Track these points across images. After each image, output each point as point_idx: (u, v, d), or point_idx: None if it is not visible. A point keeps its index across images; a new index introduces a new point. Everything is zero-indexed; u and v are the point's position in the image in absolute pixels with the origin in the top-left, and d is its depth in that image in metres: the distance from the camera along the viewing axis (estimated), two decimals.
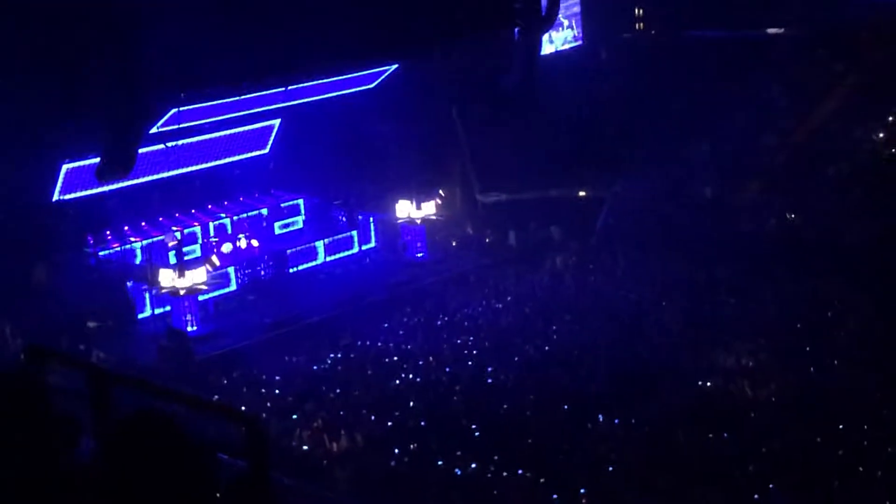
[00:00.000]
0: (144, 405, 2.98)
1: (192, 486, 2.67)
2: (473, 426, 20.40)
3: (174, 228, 29.35)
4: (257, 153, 32.44)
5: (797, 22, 34.93)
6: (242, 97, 26.84)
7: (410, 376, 23.48)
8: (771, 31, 35.54)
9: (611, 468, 18.49)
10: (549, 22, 30.71)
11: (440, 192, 33.34)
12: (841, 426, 19.31)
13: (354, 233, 32.10)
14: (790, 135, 32.86)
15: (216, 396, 21.93)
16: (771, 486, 17.44)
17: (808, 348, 23.23)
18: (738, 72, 33.44)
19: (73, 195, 27.65)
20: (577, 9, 36.01)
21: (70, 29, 21.65)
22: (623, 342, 24.45)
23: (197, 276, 26.80)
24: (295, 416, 21.31)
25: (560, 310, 27.03)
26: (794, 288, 26.68)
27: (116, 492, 2.67)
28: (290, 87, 27.68)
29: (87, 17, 21.54)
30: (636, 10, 38.28)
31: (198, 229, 30.22)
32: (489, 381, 23.04)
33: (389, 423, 20.90)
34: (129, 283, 27.46)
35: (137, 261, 28.50)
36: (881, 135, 31.91)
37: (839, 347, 23.18)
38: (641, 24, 38.44)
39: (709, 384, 21.93)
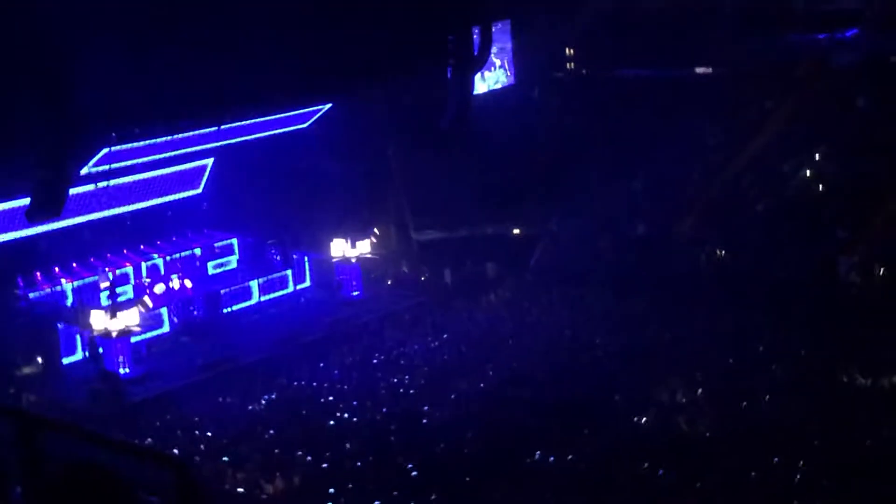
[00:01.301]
0: (78, 455, 2.93)
1: None
2: (410, 465, 20.31)
3: (106, 269, 29.02)
4: (190, 193, 32.21)
5: (725, 61, 35.49)
6: (175, 136, 26.69)
7: (346, 416, 23.36)
8: (699, 70, 36.09)
9: None
10: (482, 61, 30.94)
11: (375, 230, 33.33)
12: (775, 459, 19.47)
13: (289, 272, 31.96)
14: (720, 171, 33.29)
15: (149, 439, 21.66)
16: None
17: (740, 382, 23.42)
18: (669, 110, 33.89)
19: (2, 237, 27.25)
20: (508, 48, 36.28)
21: (1, 69, 21.42)
22: (559, 378, 24.52)
23: (129, 318, 26.50)
24: (227, 459, 21.06)
25: (496, 346, 27.08)
26: (726, 322, 26.93)
27: None
28: (222, 127, 27.57)
29: (17, 55, 21.32)
30: (567, 50, 38.68)
31: (130, 270, 29.90)
32: (425, 419, 22.97)
33: (325, 464, 20.75)
34: (59, 325, 27.07)
35: (69, 302, 28.13)
36: (808, 172, 32.41)
37: (771, 381, 23.40)
38: (572, 64, 38.83)
39: (644, 419, 22.03)
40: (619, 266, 30.54)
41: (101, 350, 26.18)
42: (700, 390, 23.19)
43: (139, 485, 3.04)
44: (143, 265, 30.30)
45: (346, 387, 25.18)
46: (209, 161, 31.67)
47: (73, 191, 24.41)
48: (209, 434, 22.56)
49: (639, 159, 33.45)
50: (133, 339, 26.76)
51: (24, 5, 20.96)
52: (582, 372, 24.91)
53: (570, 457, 20.27)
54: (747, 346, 25.56)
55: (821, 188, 31.92)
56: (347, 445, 21.51)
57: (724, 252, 30.89)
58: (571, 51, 38.62)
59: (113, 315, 26.20)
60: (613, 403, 22.86)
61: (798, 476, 18.95)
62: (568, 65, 38.80)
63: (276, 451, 21.50)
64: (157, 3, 23.11)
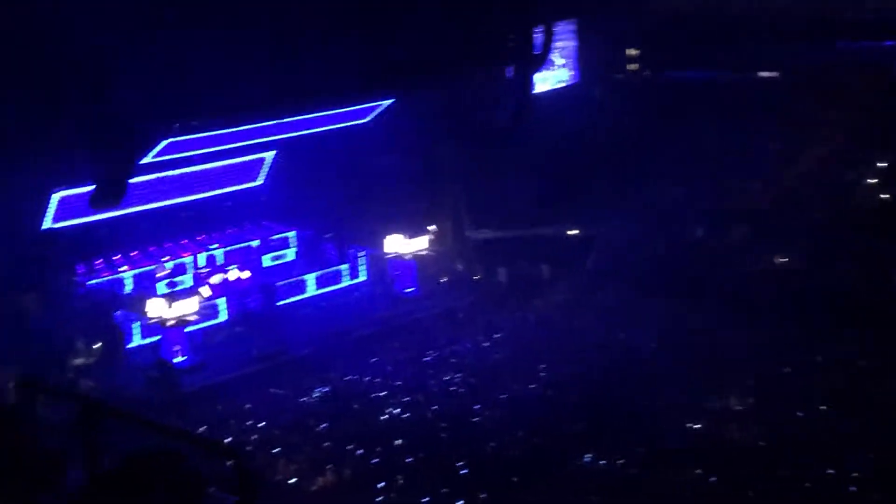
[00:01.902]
0: (144, 441, 2.99)
1: None
2: (459, 463, 20.34)
3: (165, 259, 29.33)
4: (250, 185, 32.47)
5: (790, 66, 35.15)
6: (236, 129, 26.89)
7: (397, 412, 23.43)
8: (764, 74, 35.76)
9: None
10: (542, 60, 30.91)
11: (431, 227, 33.36)
12: (828, 470, 19.29)
13: (345, 266, 32.09)
14: (780, 177, 32.98)
15: (202, 428, 21.86)
16: None
17: (794, 391, 23.22)
18: (730, 114, 33.59)
19: (64, 223, 27.63)
20: (572, 47, 36.18)
21: (65, 58, 21.71)
22: (611, 381, 24.44)
23: (186, 307, 26.75)
24: (278, 450, 21.20)
25: (548, 348, 27.02)
26: (781, 330, 26.70)
27: None
28: (284, 120, 27.74)
29: (83, 46, 21.60)
30: (630, 51, 38.49)
31: (188, 260, 30.20)
32: (475, 418, 22.98)
33: (375, 459, 20.83)
34: (117, 313, 27.38)
35: (127, 290, 28.45)
36: (874, 180, 32.03)
37: (825, 391, 23.18)
38: (635, 65, 38.64)
39: (696, 425, 21.90)
40: (674, 270, 30.34)
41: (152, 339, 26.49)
42: (753, 398, 23.01)
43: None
44: (202, 255, 30.58)
45: (397, 383, 25.25)
46: (270, 154, 31.89)
47: (134, 180, 24.71)
48: (261, 425, 22.72)
49: (698, 163, 33.20)
50: (189, 329, 27.00)
51: (93, 2, 21.25)
52: (634, 376, 24.79)
53: (620, 461, 20.20)
54: (802, 354, 25.32)
55: (881, 198, 31.51)
56: (398, 441, 21.57)
57: (780, 259, 30.60)
58: (635, 51, 38.42)
59: (170, 304, 26.46)
60: (665, 409, 22.73)
61: (850, 488, 18.76)
62: (630, 65, 38.61)
63: (327, 444, 21.61)
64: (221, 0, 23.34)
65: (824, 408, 22.30)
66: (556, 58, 34.31)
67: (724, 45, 35.63)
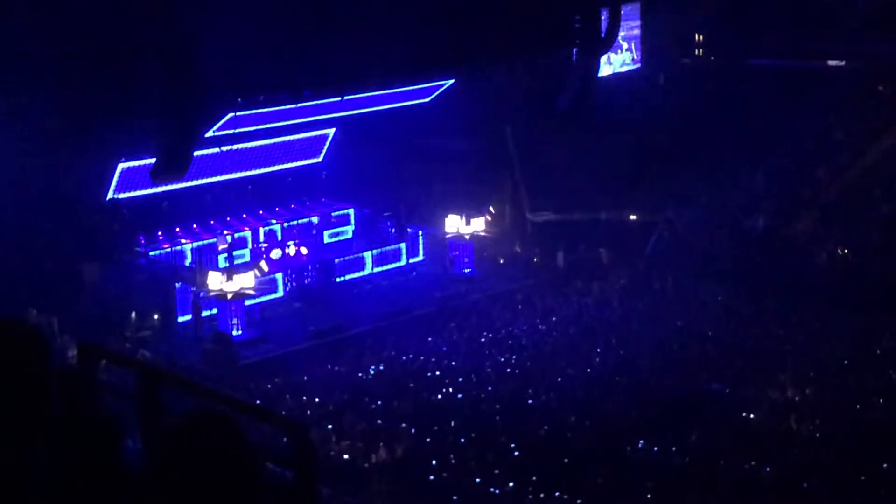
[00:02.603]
0: (199, 406, 2.97)
1: (249, 494, 2.65)
2: (512, 445, 20.31)
3: (225, 232, 29.54)
4: (310, 161, 32.60)
5: (858, 55, 34.62)
6: (299, 105, 26.98)
7: (452, 391, 23.44)
8: (832, 63, 35.25)
9: (648, 495, 18.33)
10: (608, 44, 30.61)
11: (490, 208, 33.32)
12: (884, 464, 19.04)
13: (403, 245, 32.13)
14: (845, 169, 32.53)
15: (258, 402, 22.00)
16: None
17: (854, 384, 22.94)
18: (796, 103, 33.18)
19: (127, 194, 27.91)
20: (636, 32, 35.89)
21: (131, 31, 21.85)
22: (667, 368, 24.29)
23: (245, 281, 26.94)
24: (332, 426, 21.30)
25: (605, 333, 26.90)
26: (842, 323, 26.38)
27: (172, 492, 2.65)
28: (346, 98, 27.80)
29: (149, 19, 21.73)
30: (696, 36, 38.11)
31: (248, 234, 30.40)
32: (530, 401, 22.94)
33: (429, 438, 20.86)
34: (177, 285, 27.62)
35: (187, 262, 28.69)
36: None
37: (886, 385, 22.87)
38: (700, 51, 38.26)
39: (752, 415, 21.70)
40: (735, 259, 30.07)
41: (205, 313, 26.67)
42: (812, 389, 22.76)
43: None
44: (261, 230, 30.76)
45: (453, 363, 25.26)
46: (331, 131, 31.98)
47: (197, 153, 24.85)
48: (316, 400, 22.84)
49: (762, 152, 32.84)
50: (247, 303, 27.18)
51: None
52: (691, 364, 24.63)
53: (673, 448, 20.07)
54: (863, 347, 25.02)
55: None
56: (452, 422, 21.58)
57: (844, 251, 30.21)
58: (700, 37, 38.03)
59: (229, 278, 26.65)
60: (722, 397, 22.55)
61: None
62: (696, 51, 38.23)
63: (381, 421, 21.67)
64: None
65: (881, 400, 21.99)
66: (622, 42, 34.00)
67: (791, 32, 35.17)
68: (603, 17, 29.60)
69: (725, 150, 32.89)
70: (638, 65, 36.26)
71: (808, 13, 35.46)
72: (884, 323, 26.02)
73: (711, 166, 32.75)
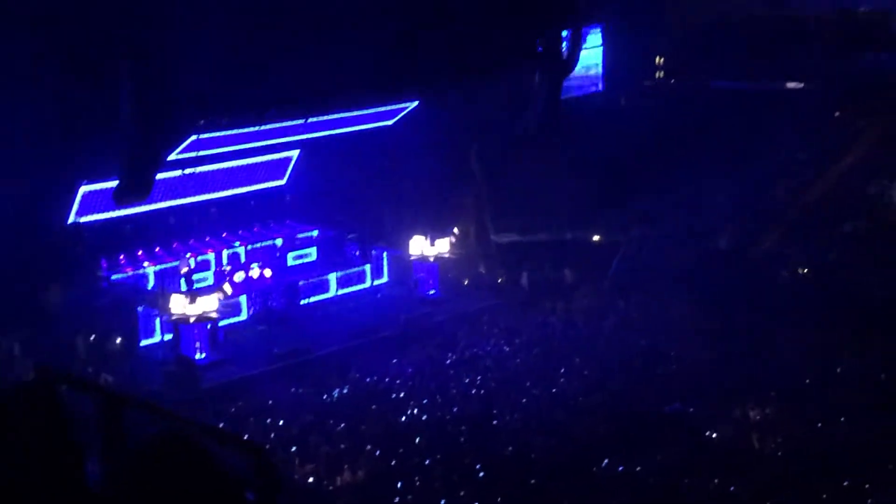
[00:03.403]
0: (165, 429, 2.97)
1: None
2: (478, 466, 20.30)
3: (188, 255, 29.40)
4: (274, 183, 32.53)
5: (818, 77, 34.98)
6: (262, 127, 26.95)
7: (416, 413, 23.42)
8: (791, 84, 35.60)
9: None
10: (571, 66, 30.81)
11: (454, 230, 33.36)
12: (846, 482, 19.17)
13: (367, 267, 32.11)
14: (807, 188, 32.82)
15: (221, 425, 21.87)
16: None
17: (816, 402, 23.09)
18: (758, 124, 33.46)
19: (88, 217, 27.74)
20: (599, 54, 36.12)
21: (94, 52, 21.79)
22: (632, 388, 24.37)
23: (208, 304, 26.81)
24: (296, 449, 21.22)
25: (570, 353, 26.96)
26: (805, 341, 26.55)
27: None
28: (310, 120, 27.79)
29: (111, 41, 21.68)
30: (657, 59, 38.40)
31: (211, 257, 30.27)
32: (495, 422, 22.95)
33: (393, 460, 20.82)
34: (140, 308, 27.46)
35: (150, 286, 28.53)
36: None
37: (847, 403, 23.03)
38: (662, 73, 38.54)
39: (716, 434, 21.81)
40: (699, 278, 30.22)
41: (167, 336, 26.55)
42: (774, 407, 22.90)
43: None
44: (225, 253, 30.64)
45: (418, 384, 25.24)
46: (295, 153, 31.94)
47: (160, 176, 24.77)
48: (280, 423, 22.75)
49: (724, 172, 33.07)
50: (210, 326, 27.04)
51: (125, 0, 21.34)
52: (656, 383, 24.73)
53: (638, 468, 20.13)
54: (825, 366, 25.19)
55: None
56: (416, 442, 21.55)
57: (806, 270, 30.45)
58: (662, 59, 38.33)
59: (192, 300, 26.52)
60: (686, 416, 22.65)
61: (868, 501, 18.64)
62: (658, 73, 38.52)
63: (345, 443, 21.61)
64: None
65: (843, 419, 22.15)
66: (584, 64, 34.19)
67: (751, 55, 35.51)
68: (565, 40, 29.80)
69: (688, 171, 33.08)
70: (601, 87, 36.50)
71: (767, 35, 35.82)
72: (845, 341, 26.21)
73: (674, 187, 32.93)
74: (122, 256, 28.81)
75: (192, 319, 26.48)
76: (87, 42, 21.49)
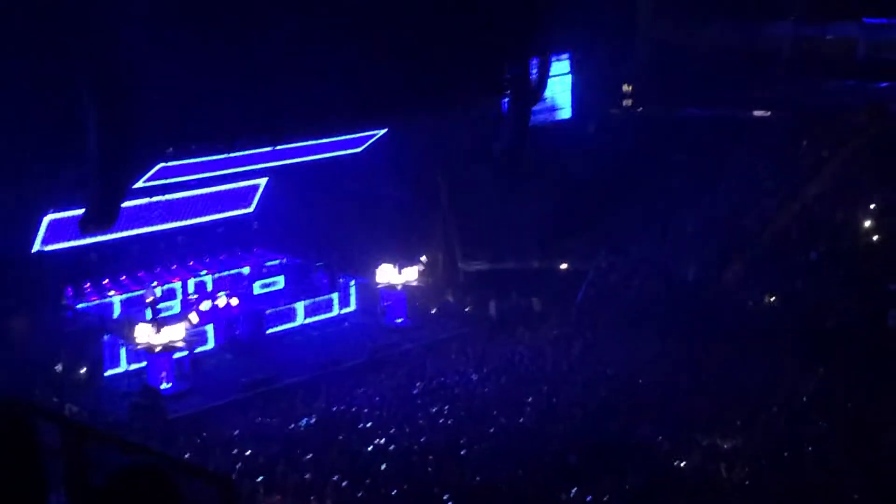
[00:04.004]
0: (127, 461, 2.91)
1: None
2: (446, 496, 20.19)
3: (154, 284, 29.22)
4: (242, 211, 32.43)
5: (783, 105, 35.29)
6: (230, 155, 26.88)
7: (384, 442, 23.28)
8: (757, 113, 35.90)
9: None
10: (539, 93, 30.93)
11: (422, 258, 33.33)
12: None
13: (335, 295, 32.01)
14: (773, 216, 33.02)
15: (187, 455, 21.69)
16: None
17: (783, 431, 23.13)
18: (724, 152, 33.70)
19: (54, 246, 27.53)
20: (567, 82, 36.28)
21: (60, 80, 21.68)
22: (599, 416, 24.33)
23: (174, 333, 26.62)
24: (263, 479, 21.04)
25: (537, 381, 26.91)
26: (771, 370, 26.63)
27: None
28: (277, 147, 27.75)
29: (78, 68, 21.58)
30: (625, 87, 38.63)
31: (178, 285, 30.09)
32: (463, 451, 22.84)
33: (361, 491, 20.67)
34: (105, 337, 27.24)
35: (115, 315, 28.32)
36: (867, 223, 32.02)
37: (814, 432, 23.08)
38: (630, 101, 38.77)
39: (683, 463, 21.79)
40: (665, 307, 30.30)
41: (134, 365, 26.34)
42: (741, 436, 22.92)
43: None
44: (191, 281, 30.48)
45: (385, 414, 25.11)
46: (263, 181, 31.87)
47: (126, 204, 24.62)
48: (247, 453, 22.55)
49: (691, 200, 33.26)
50: (176, 355, 26.85)
51: (91, 23, 21.24)
52: (623, 412, 24.69)
53: (606, 496, 20.07)
54: (791, 394, 25.24)
55: (874, 238, 31.56)
56: (384, 473, 21.42)
57: (772, 298, 30.58)
58: (629, 87, 38.56)
59: (158, 330, 26.32)
60: (653, 445, 22.62)
61: None
62: (625, 101, 38.74)
63: (313, 474, 21.44)
64: (217, 25, 23.35)
65: (810, 448, 22.19)
66: (552, 91, 34.35)
67: (717, 83, 35.79)
68: (533, 68, 29.92)
69: (655, 200, 33.26)
70: (569, 114, 36.67)
71: (733, 64, 36.12)
72: (811, 370, 26.30)
73: (642, 215, 33.08)
74: (87, 285, 28.61)
75: (157, 349, 26.28)
76: (52, 69, 21.38)
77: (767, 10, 38.10)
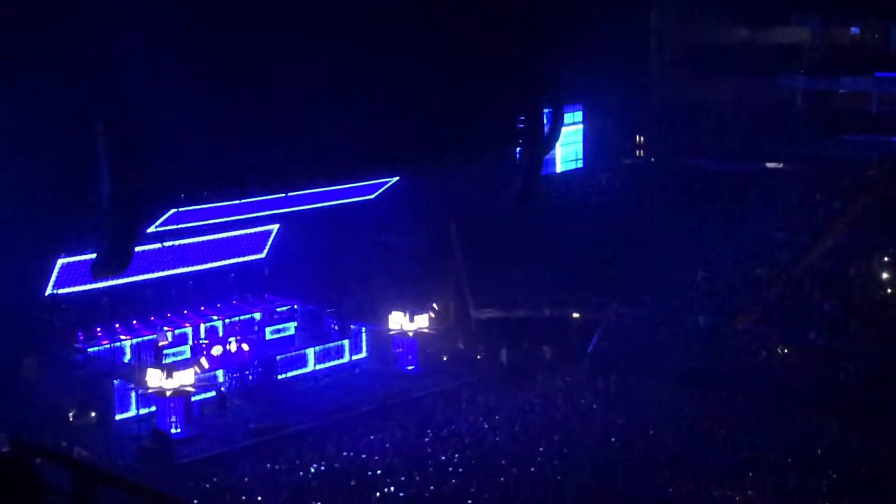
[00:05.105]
0: None
1: None
2: None
3: (165, 328, 29.21)
4: (254, 257, 32.46)
5: (796, 158, 35.33)
6: (243, 201, 26.94)
7: (393, 490, 23.14)
8: (770, 164, 35.93)
9: None
10: (551, 143, 31.02)
11: (434, 305, 33.28)
12: None
13: (346, 342, 31.94)
14: (786, 268, 32.93)
15: (195, 502, 21.58)
16: None
17: (796, 484, 22.94)
18: (736, 203, 33.68)
19: (66, 290, 27.56)
20: (579, 132, 36.41)
21: (74, 126, 21.82)
22: (611, 467, 24.17)
23: (185, 378, 26.56)
24: None
25: (548, 431, 26.76)
26: (784, 421, 26.46)
27: None
28: (290, 194, 27.81)
29: (92, 115, 21.72)
30: (637, 138, 38.73)
31: (189, 330, 30.06)
32: (470, 501, 22.68)
33: None
34: (116, 382, 27.19)
35: (126, 359, 28.28)
36: (881, 276, 31.94)
37: (827, 485, 22.90)
38: (641, 151, 38.86)
39: None
40: (677, 357, 30.17)
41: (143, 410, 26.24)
42: (754, 488, 22.74)
43: None
44: (202, 326, 30.44)
45: (395, 461, 24.98)
46: (275, 227, 31.91)
47: (138, 248, 24.68)
48: (257, 499, 22.44)
49: (703, 251, 33.22)
50: (195, 397, 26.80)
51: (104, 71, 21.41)
52: (634, 463, 24.52)
53: None
54: (804, 446, 25.07)
55: (888, 291, 31.46)
56: None
57: (785, 350, 30.43)
58: (641, 138, 38.66)
59: (168, 374, 26.28)
60: (665, 497, 22.45)
61: None
62: (637, 152, 38.82)
63: None
64: (232, 74, 23.53)
65: (827, 502, 22.00)
66: (564, 141, 34.45)
67: (730, 135, 35.86)
68: (546, 118, 30.03)
69: (668, 249, 33.20)
70: (581, 165, 36.77)
71: (746, 116, 36.21)
72: (824, 422, 26.14)
73: (653, 264, 33.02)
74: (99, 329, 28.59)
75: (168, 393, 26.22)
76: (67, 117, 21.53)
77: (780, 64, 38.23)
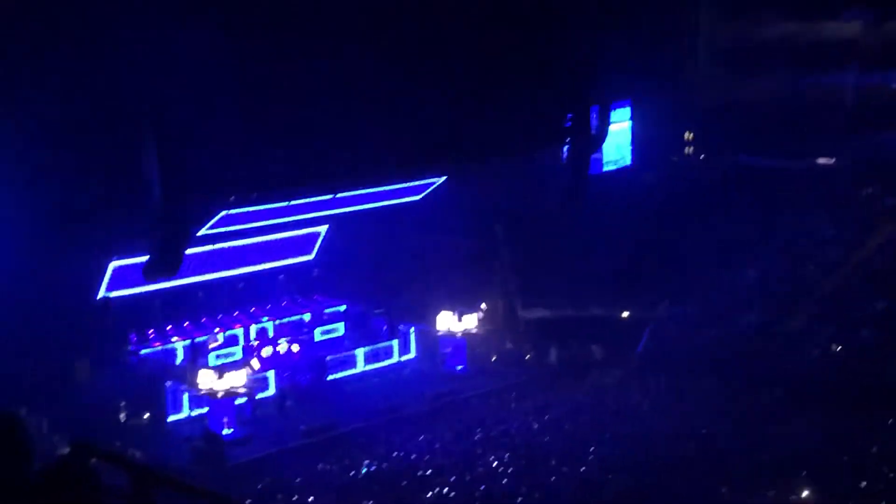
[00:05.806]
0: None
1: None
2: None
3: (216, 330, 29.42)
4: (302, 258, 32.61)
5: (847, 153, 34.99)
6: (291, 203, 27.07)
7: (444, 490, 23.16)
8: (821, 160, 35.60)
9: None
10: (599, 141, 30.83)
11: (482, 305, 33.27)
12: None
13: (395, 342, 32.01)
14: (837, 266, 32.63)
15: (249, 502, 21.72)
16: None
17: (851, 484, 22.70)
18: (787, 200, 33.41)
19: (118, 292, 27.83)
20: (627, 129, 36.26)
21: (123, 128, 21.97)
22: (661, 468, 24.03)
23: (236, 379, 26.75)
24: None
25: (598, 431, 26.68)
26: (837, 421, 26.19)
27: None
28: (338, 195, 27.90)
29: (141, 117, 21.86)
30: (686, 135, 38.50)
31: (239, 332, 30.27)
32: (519, 499, 22.66)
33: None
34: (168, 383, 27.43)
35: (178, 361, 28.53)
36: None
37: (885, 485, 22.64)
38: (691, 149, 38.62)
39: None
40: (727, 357, 29.96)
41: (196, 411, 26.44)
42: (808, 490, 22.52)
43: None
44: (253, 328, 30.64)
45: (445, 462, 25.00)
46: (323, 228, 32.04)
47: (189, 251, 24.81)
48: (309, 500, 22.54)
49: (753, 249, 32.96)
50: (238, 401, 26.96)
51: (152, 73, 21.55)
52: (684, 463, 24.37)
53: None
54: (858, 446, 24.80)
55: None
56: None
57: (838, 349, 30.13)
58: (691, 135, 38.42)
59: (220, 376, 26.47)
60: (716, 497, 22.29)
61: None
62: (686, 149, 38.60)
63: None
64: (279, 74, 23.58)
65: (884, 503, 21.75)
66: (612, 139, 34.30)
67: (781, 130, 35.56)
68: (594, 115, 29.87)
69: (717, 247, 33.00)
70: (629, 163, 36.61)
71: (796, 111, 35.88)
72: (879, 422, 25.85)
73: (703, 263, 32.83)
74: (150, 331, 28.86)
75: (219, 395, 26.41)
76: (118, 121, 21.68)
77: (831, 59, 37.87)
